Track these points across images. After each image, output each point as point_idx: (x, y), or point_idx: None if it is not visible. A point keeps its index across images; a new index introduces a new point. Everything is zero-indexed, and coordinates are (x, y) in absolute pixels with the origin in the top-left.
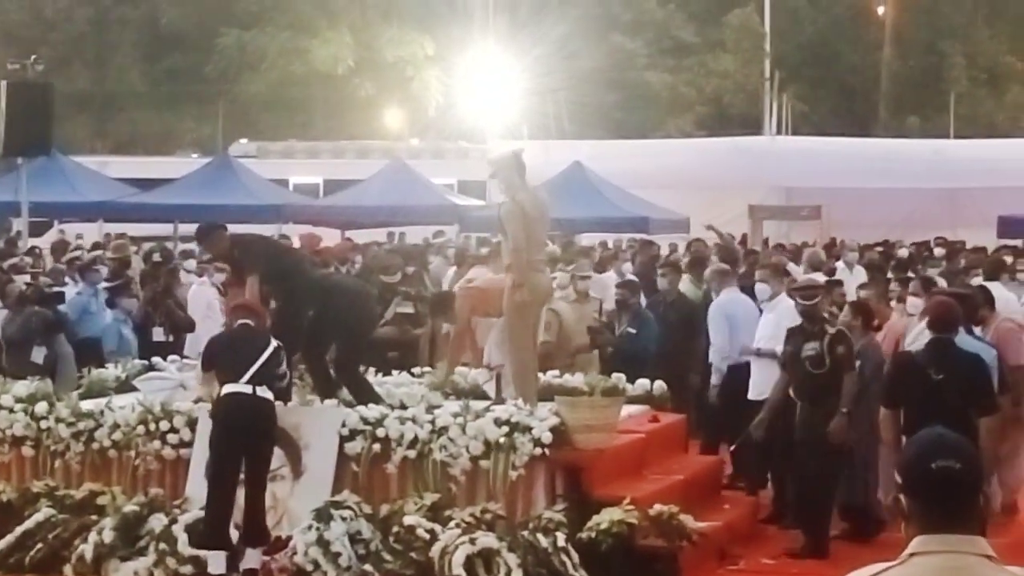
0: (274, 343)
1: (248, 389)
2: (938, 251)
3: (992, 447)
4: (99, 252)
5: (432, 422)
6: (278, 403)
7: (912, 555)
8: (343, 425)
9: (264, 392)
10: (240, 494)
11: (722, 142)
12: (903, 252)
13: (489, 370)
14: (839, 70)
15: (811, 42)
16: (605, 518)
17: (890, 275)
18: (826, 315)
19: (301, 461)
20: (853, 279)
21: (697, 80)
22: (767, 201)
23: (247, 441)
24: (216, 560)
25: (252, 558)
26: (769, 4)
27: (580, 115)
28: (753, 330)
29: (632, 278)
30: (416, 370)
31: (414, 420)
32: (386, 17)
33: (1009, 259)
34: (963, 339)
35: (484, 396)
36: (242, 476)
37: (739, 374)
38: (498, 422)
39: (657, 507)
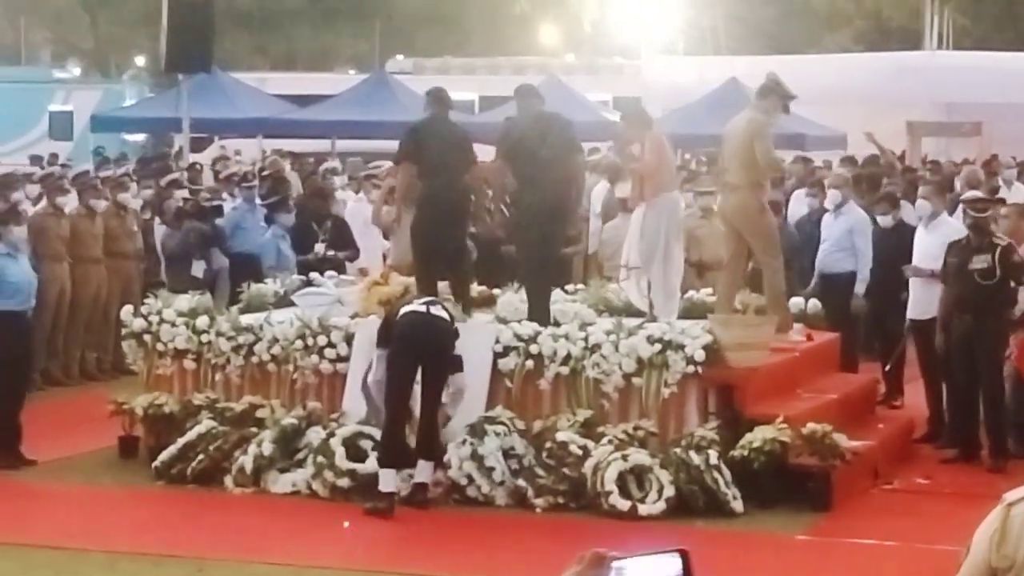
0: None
1: (423, 308)
2: None
3: None
4: (255, 168)
5: (585, 339)
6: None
7: None
8: (497, 341)
9: (438, 311)
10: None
11: (881, 57)
12: None
13: (627, 270)
14: None
15: None
16: (758, 436)
17: None
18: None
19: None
20: (1011, 196)
21: None
22: (926, 118)
23: (424, 358)
24: (387, 478)
25: (424, 471)
26: None
27: (736, 30)
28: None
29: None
30: (569, 287)
31: (567, 337)
32: None
33: None
34: None
35: (638, 313)
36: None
37: (889, 289)
38: (651, 339)
39: (810, 426)
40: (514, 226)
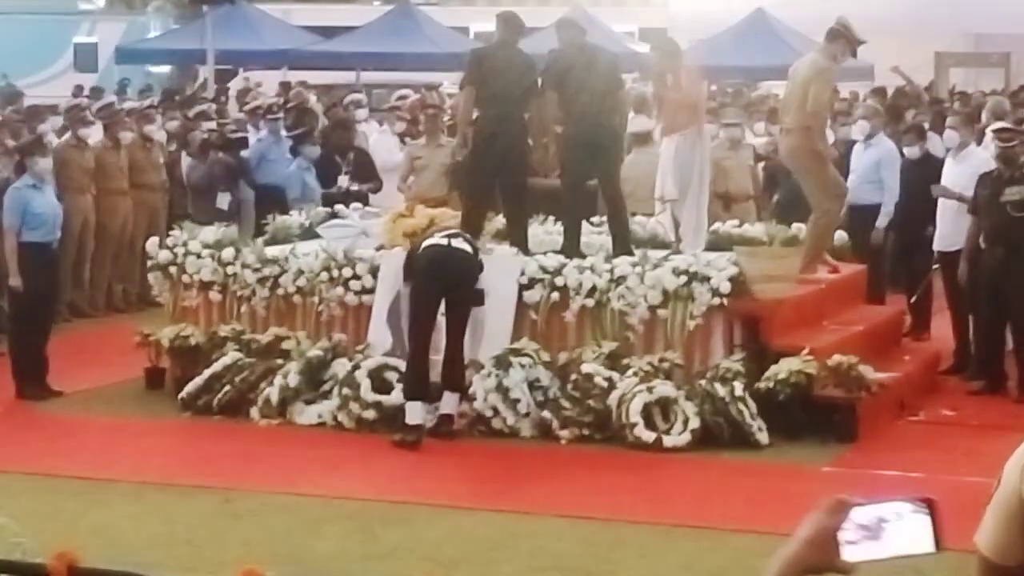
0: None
1: (445, 241)
2: None
3: None
4: (280, 100)
5: (610, 271)
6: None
7: None
8: (522, 273)
9: (460, 243)
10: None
11: None
12: None
13: (661, 203)
14: None
15: None
16: (783, 368)
17: None
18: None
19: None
20: None
21: None
22: (954, 48)
23: (448, 290)
24: (413, 410)
25: (449, 403)
26: None
27: None
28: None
29: None
30: (595, 219)
31: (592, 269)
32: None
33: None
34: None
35: (663, 245)
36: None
37: (915, 222)
38: (676, 271)
39: (836, 357)
40: (562, 159)
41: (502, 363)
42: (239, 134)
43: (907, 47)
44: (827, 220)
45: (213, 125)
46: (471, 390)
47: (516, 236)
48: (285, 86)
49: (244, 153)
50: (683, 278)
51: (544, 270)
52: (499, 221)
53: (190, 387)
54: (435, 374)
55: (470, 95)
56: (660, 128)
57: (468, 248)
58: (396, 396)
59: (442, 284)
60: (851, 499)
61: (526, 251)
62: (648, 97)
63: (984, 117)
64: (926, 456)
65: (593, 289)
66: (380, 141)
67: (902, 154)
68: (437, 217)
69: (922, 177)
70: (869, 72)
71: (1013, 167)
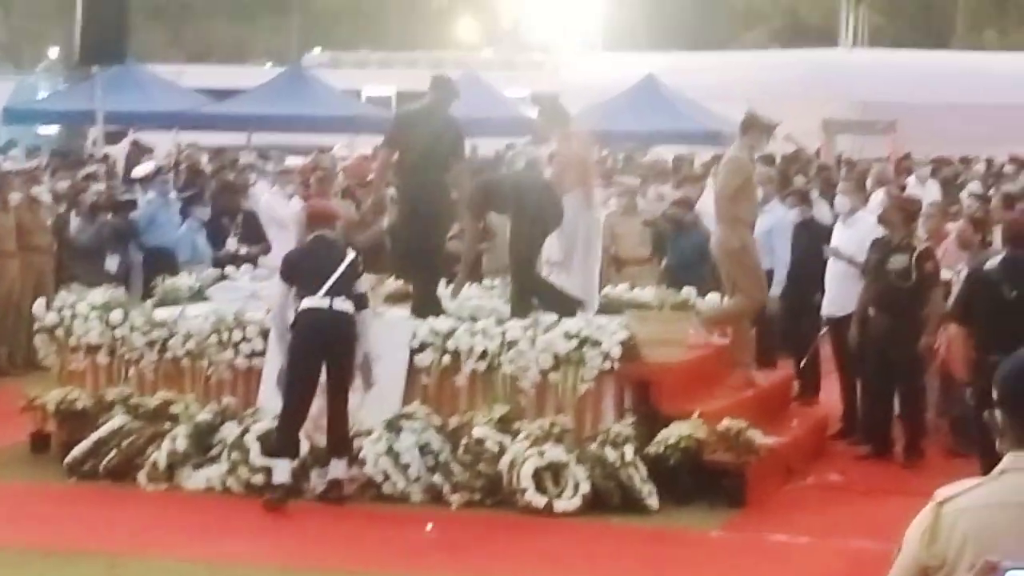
0: (351, 253)
1: (326, 303)
2: (1009, 168)
3: None
4: (170, 161)
5: (502, 335)
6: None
7: (1004, 471)
8: (413, 337)
9: (342, 304)
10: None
11: (797, 54)
12: (979, 167)
13: (548, 265)
14: None
15: None
16: (674, 432)
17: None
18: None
19: (372, 372)
20: (926, 195)
21: None
22: (842, 115)
23: (327, 354)
24: (282, 468)
25: (337, 468)
26: None
27: (655, 27)
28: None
29: (685, 195)
30: (486, 282)
31: (484, 333)
32: None
33: None
34: None
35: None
36: (322, 387)
37: (802, 287)
38: (568, 335)
39: (725, 422)
40: (397, 216)
41: (393, 427)
42: (128, 196)
43: (796, 113)
44: (750, 305)
45: (102, 187)
46: (361, 454)
47: (429, 300)
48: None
49: (133, 215)
50: (574, 342)
51: (436, 333)
52: (391, 284)
53: (76, 451)
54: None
55: (387, 157)
56: None
57: (350, 309)
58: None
59: (321, 348)
60: (1002, 562)
61: (437, 314)
62: (540, 160)
63: (869, 183)
64: (814, 520)
65: (484, 353)
66: (271, 200)
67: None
68: None
69: (807, 242)
70: None
71: (899, 234)
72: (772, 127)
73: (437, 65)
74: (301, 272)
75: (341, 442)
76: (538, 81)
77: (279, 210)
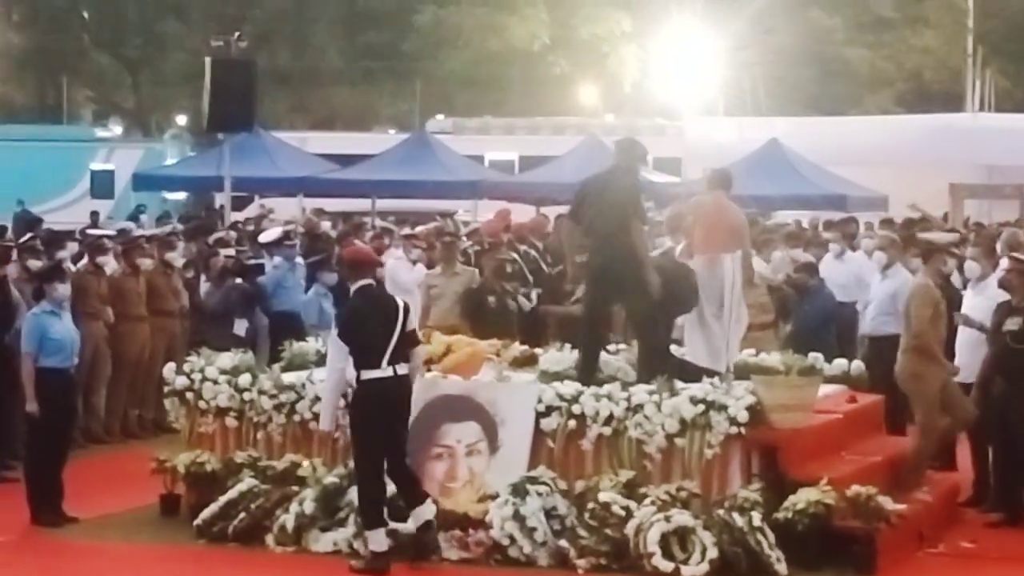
0: (401, 302)
1: (390, 372)
2: None
3: None
4: (292, 227)
5: (627, 399)
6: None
7: None
8: (539, 401)
9: (403, 369)
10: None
11: (922, 119)
12: None
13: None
14: None
15: (1015, 17)
16: (802, 498)
17: None
18: None
19: (497, 436)
20: None
21: (897, 56)
22: (968, 179)
23: (392, 423)
24: (377, 538)
25: (425, 511)
26: None
27: (776, 91)
28: None
29: (811, 259)
30: (612, 347)
31: (609, 397)
32: None
33: None
34: None
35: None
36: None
37: None
38: (694, 400)
39: (854, 488)
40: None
41: (519, 491)
42: (256, 260)
43: (921, 178)
44: (927, 445)
45: (231, 251)
46: (487, 518)
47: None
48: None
49: (261, 279)
50: (700, 407)
51: (561, 398)
52: (516, 348)
53: (205, 514)
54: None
55: (570, 226)
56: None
57: (407, 369)
58: (412, 523)
59: (387, 414)
60: None
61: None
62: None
63: (999, 248)
64: None
65: (610, 417)
66: (397, 265)
67: None
68: (453, 344)
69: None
70: (883, 202)
71: (1017, 297)
72: (949, 246)
73: (559, 130)
74: (360, 337)
75: (416, 493)
76: (661, 145)
77: (402, 275)
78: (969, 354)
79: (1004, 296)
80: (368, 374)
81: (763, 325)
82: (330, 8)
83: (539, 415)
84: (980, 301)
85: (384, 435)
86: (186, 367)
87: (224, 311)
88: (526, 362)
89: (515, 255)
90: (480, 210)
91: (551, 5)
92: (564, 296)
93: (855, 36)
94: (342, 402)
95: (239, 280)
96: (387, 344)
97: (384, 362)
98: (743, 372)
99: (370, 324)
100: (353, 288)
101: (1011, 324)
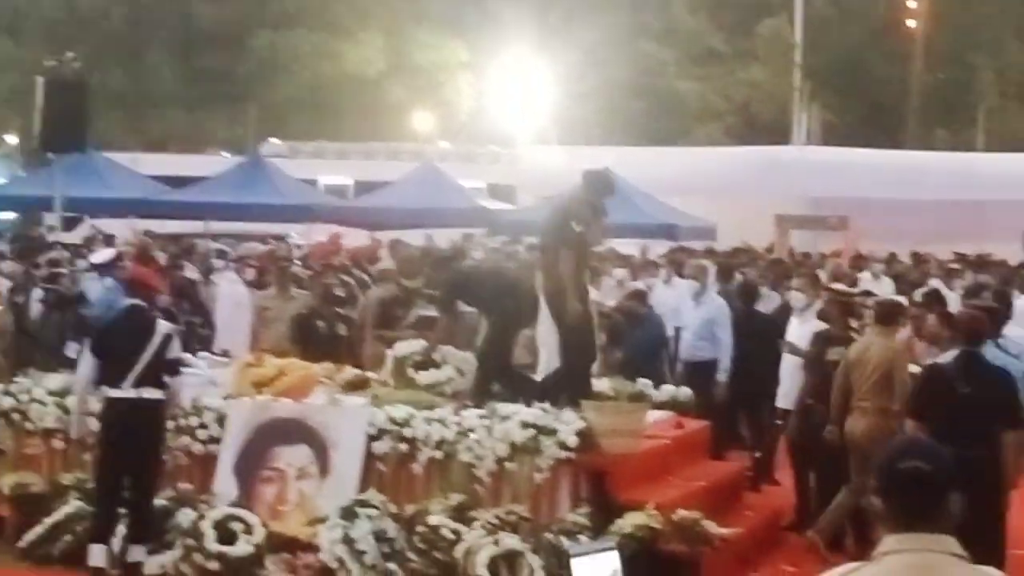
0: (166, 329)
1: (133, 394)
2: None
3: (1017, 460)
4: (124, 248)
5: (459, 423)
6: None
7: (884, 554)
8: (370, 424)
9: (152, 394)
10: None
11: (750, 151)
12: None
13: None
14: (868, 81)
15: (841, 53)
16: (628, 522)
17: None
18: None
19: (328, 459)
20: (879, 289)
21: (726, 89)
22: (794, 211)
23: (132, 446)
24: (94, 552)
25: (137, 552)
26: (801, 15)
27: (609, 121)
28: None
29: (640, 287)
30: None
31: (441, 421)
32: (418, 21)
33: None
34: (992, 352)
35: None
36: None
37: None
38: (524, 424)
39: (680, 512)
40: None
41: (349, 514)
42: (77, 290)
43: (749, 209)
44: (854, 501)
45: (63, 270)
46: (316, 541)
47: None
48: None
49: (85, 310)
50: (531, 431)
51: (393, 421)
52: (349, 372)
53: (31, 535)
54: None
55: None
56: None
57: (157, 396)
58: (241, 547)
59: (127, 436)
60: None
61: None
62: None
63: (824, 278)
64: None
65: (441, 441)
66: (230, 290)
67: (733, 309)
68: (286, 367)
69: (753, 332)
70: (711, 232)
71: (837, 326)
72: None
73: (394, 155)
74: (108, 352)
75: (142, 528)
76: (495, 172)
77: (235, 302)
78: (791, 380)
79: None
80: (111, 392)
81: None
82: (165, 30)
83: (370, 438)
84: (805, 330)
85: (121, 455)
86: (13, 388)
87: (55, 332)
88: (358, 386)
89: (347, 278)
90: (313, 234)
91: (387, 32)
92: (396, 321)
93: (686, 69)
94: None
95: (63, 312)
96: (133, 365)
97: (128, 383)
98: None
99: (120, 342)
100: (123, 305)
101: (834, 355)
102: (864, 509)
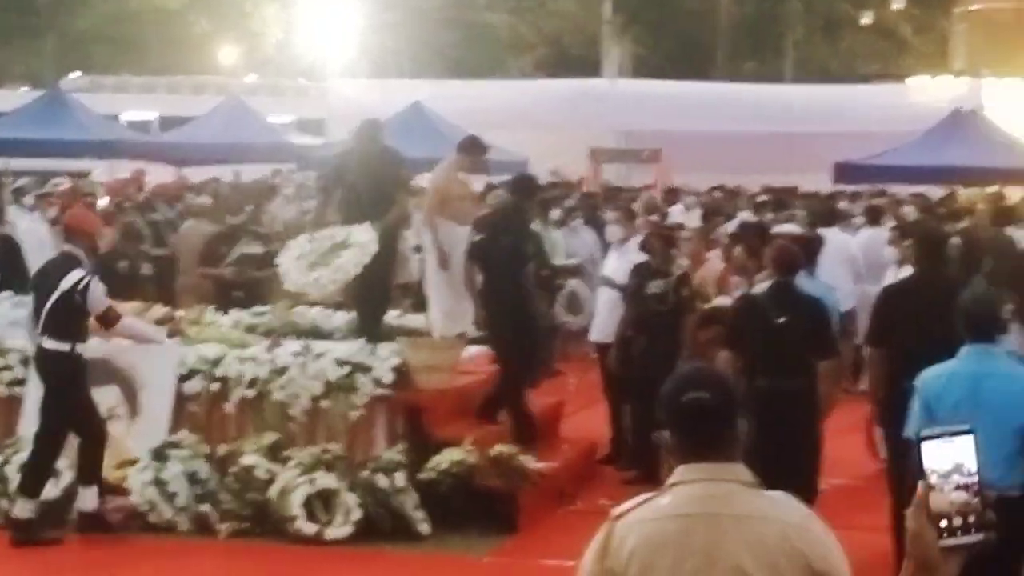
0: (77, 277)
1: (39, 342)
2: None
3: (830, 390)
4: None
5: (272, 361)
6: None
7: (674, 484)
8: (182, 363)
9: (50, 344)
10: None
11: (561, 83)
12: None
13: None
14: (678, 14)
15: None
16: (445, 458)
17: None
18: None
19: (137, 400)
20: (690, 221)
21: (538, 21)
22: (607, 144)
23: (51, 396)
24: (21, 505)
25: (87, 498)
26: None
27: (420, 54)
28: None
29: None
30: (257, 309)
31: (254, 360)
32: None
33: (844, 205)
34: (804, 282)
35: (326, 335)
36: None
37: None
38: (339, 362)
39: (497, 448)
40: None
41: (160, 456)
42: None
43: (562, 142)
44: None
45: None
46: (127, 483)
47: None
48: None
49: None
50: (346, 368)
51: (204, 360)
52: (158, 311)
53: None
54: None
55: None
56: None
57: (63, 345)
58: (49, 491)
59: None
60: None
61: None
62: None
63: (636, 211)
64: (583, 545)
65: (254, 380)
66: (31, 228)
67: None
68: None
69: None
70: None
71: (658, 259)
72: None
73: (200, 90)
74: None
75: (88, 472)
76: (304, 107)
77: (39, 240)
78: (609, 314)
79: (643, 257)
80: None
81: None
82: None
83: (181, 378)
84: (622, 263)
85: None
86: None
87: None
88: (167, 323)
89: (152, 216)
90: (116, 171)
91: None
92: (220, 258)
93: (497, 1)
94: None
95: None
96: (39, 314)
97: (38, 331)
98: (390, 334)
99: (37, 291)
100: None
101: (654, 287)
102: None
